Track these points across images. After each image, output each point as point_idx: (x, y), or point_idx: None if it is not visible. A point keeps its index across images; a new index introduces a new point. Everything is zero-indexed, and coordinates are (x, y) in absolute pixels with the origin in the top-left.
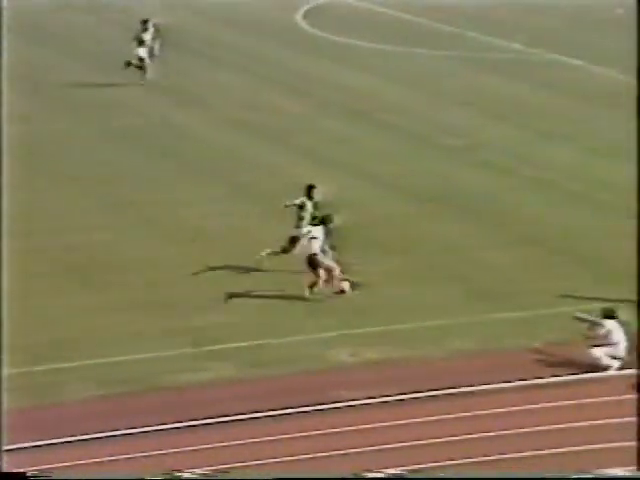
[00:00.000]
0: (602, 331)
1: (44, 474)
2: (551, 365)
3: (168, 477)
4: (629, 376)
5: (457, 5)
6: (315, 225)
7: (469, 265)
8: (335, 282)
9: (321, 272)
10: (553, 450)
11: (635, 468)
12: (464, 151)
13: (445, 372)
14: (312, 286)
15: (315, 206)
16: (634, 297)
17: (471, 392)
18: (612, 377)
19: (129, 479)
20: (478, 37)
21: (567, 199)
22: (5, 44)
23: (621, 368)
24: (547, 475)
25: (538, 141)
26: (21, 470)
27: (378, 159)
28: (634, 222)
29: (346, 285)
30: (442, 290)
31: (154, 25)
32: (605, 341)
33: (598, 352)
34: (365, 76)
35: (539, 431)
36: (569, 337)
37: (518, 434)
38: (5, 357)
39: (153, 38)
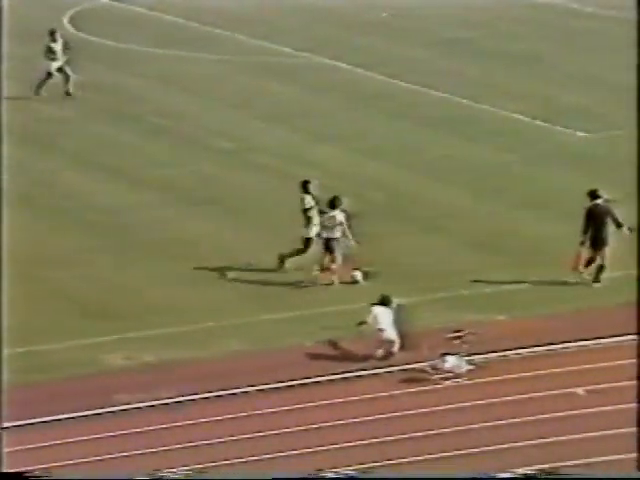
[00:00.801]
0: (370, 317)
1: (44, 474)
2: (325, 363)
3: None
4: (403, 371)
5: (227, 8)
6: (332, 209)
7: (239, 268)
8: (328, 273)
9: (337, 257)
10: (319, 448)
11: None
12: (237, 154)
13: (219, 373)
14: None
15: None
16: (406, 294)
17: (245, 392)
18: (384, 373)
19: (133, 479)
20: (248, 40)
21: None
22: None
23: (389, 365)
24: (548, 475)
25: (309, 143)
26: (21, 470)
27: (150, 163)
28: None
29: (358, 274)
30: (214, 292)
31: (62, 35)
32: (374, 326)
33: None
34: (135, 80)
35: (307, 430)
36: (343, 334)
37: (291, 433)
38: None
39: (64, 48)
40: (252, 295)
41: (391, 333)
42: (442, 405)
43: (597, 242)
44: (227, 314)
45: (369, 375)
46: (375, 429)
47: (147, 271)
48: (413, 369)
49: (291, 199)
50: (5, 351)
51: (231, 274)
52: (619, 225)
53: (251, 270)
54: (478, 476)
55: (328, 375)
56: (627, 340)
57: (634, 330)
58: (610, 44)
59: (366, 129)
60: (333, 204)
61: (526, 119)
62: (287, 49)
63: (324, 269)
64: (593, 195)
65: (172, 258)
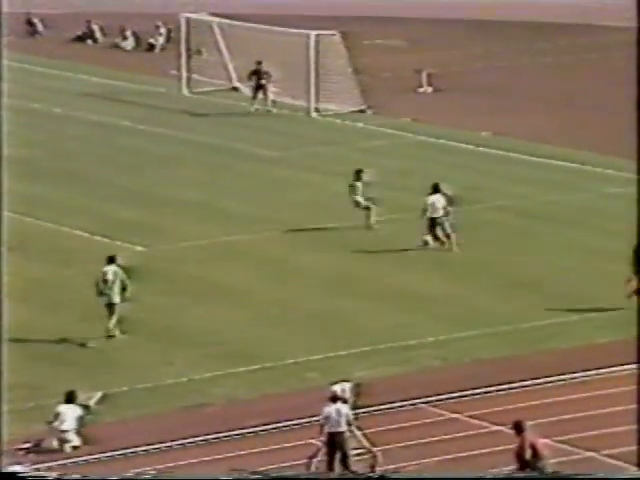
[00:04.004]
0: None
1: (44, 474)
2: None
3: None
4: None
5: None
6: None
7: None
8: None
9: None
10: None
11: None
12: None
13: None
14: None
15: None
16: None
17: None
18: None
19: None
20: None
21: None
22: None
23: None
24: (548, 476)
25: None
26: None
27: None
28: None
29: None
30: None
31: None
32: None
33: None
34: None
35: None
36: None
37: None
38: None
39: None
40: None
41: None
42: None
43: None
44: None
45: None
46: None
47: None
48: None
49: None
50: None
51: None
52: None
53: None
54: (479, 476)
55: None
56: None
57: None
58: (151, 160)
59: None
60: (436, 189)
61: (85, 235)
62: None
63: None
64: None
65: None
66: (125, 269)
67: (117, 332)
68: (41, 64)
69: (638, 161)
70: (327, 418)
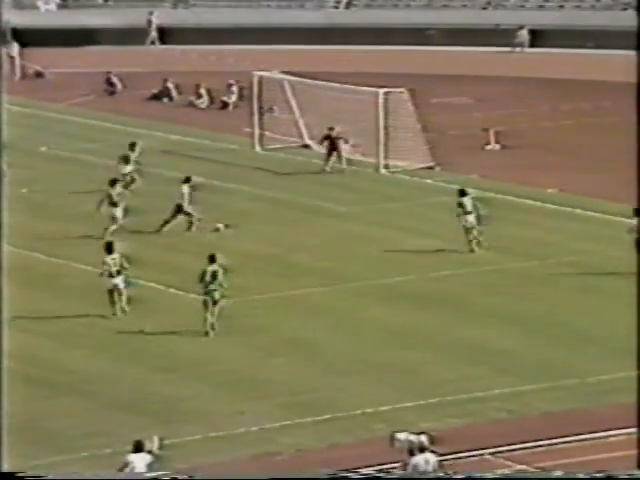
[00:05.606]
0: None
1: (42, 475)
2: None
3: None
4: None
5: None
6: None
7: None
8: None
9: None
10: None
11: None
12: None
13: None
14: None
15: None
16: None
17: None
18: None
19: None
20: None
21: None
22: None
23: None
24: (550, 475)
25: None
26: (20, 470)
27: None
28: None
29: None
30: None
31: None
32: None
33: None
34: None
35: None
36: None
37: None
38: None
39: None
40: None
41: None
42: None
43: None
44: None
45: None
46: None
47: None
48: None
49: None
50: None
51: None
52: None
53: None
54: (481, 476)
55: None
56: None
57: None
58: (224, 215)
59: None
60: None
61: (160, 287)
62: None
63: None
64: None
65: None
66: (224, 267)
67: (212, 332)
68: (119, 122)
69: None
70: (415, 467)
